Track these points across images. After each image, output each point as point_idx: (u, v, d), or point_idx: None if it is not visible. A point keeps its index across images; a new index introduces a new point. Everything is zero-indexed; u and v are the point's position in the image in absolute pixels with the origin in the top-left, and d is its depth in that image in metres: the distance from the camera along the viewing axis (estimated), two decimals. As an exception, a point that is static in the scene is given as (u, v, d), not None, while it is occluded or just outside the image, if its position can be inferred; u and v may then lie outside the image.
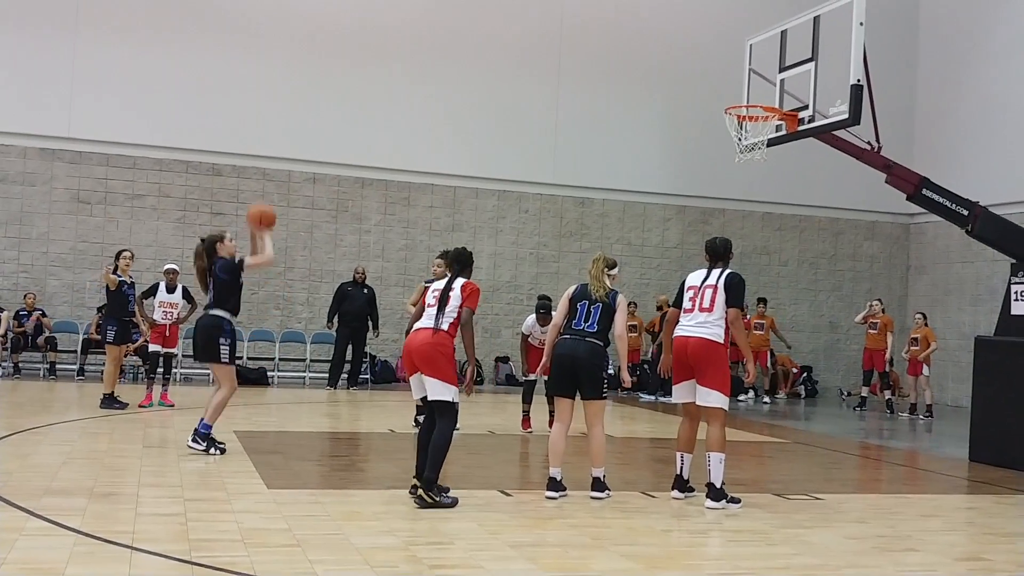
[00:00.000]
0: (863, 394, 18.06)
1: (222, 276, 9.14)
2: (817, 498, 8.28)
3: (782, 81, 12.12)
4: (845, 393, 20.14)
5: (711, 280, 7.93)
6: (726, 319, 7.77)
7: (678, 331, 7.96)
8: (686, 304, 7.99)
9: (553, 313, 8.87)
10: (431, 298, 7.53)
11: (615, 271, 8.29)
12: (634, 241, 20.51)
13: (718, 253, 8.17)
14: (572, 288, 8.10)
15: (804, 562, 6.06)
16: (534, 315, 12.10)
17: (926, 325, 17.31)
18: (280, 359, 17.99)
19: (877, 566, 6.09)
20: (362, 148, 18.84)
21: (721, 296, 7.82)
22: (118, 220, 17.81)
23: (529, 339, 12.15)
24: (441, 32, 19.29)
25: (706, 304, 7.83)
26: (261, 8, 18.47)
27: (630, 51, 20.16)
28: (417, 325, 7.52)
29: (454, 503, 7.12)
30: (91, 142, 17.64)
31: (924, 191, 11.77)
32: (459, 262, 7.68)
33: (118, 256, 12.90)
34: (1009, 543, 7.09)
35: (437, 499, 7.05)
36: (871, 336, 17.63)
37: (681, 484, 8.00)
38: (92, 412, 11.88)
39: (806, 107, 11.68)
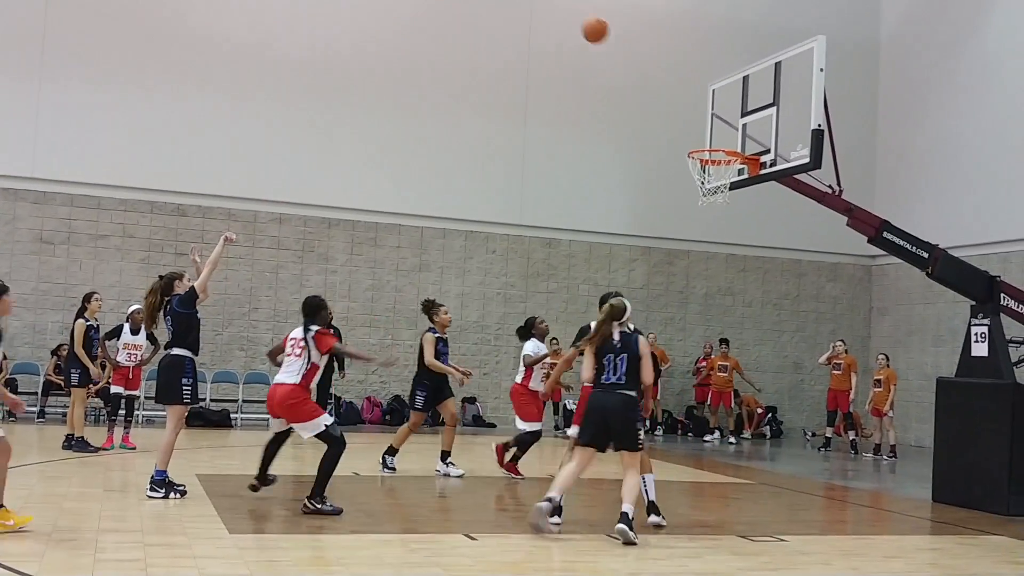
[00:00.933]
0: (827, 435, 18.16)
1: (180, 311, 9.04)
2: (782, 540, 8.30)
3: (744, 126, 12.26)
4: (809, 434, 20.24)
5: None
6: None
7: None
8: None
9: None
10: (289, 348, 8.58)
11: (626, 318, 8.11)
12: (600, 282, 20.59)
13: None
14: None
15: (768, 605, 6.06)
16: (533, 341, 11.69)
17: (888, 366, 17.48)
18: (244, 400, 17.84)
19: (841, 609, 6.11)
20: (329, 188, 18.86)
21: None
22: (81, 261, 17.67)
23: (530, 382, 11.60)
24: (408, 73, 19.40)
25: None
26: (227, 49, 18.50)
27: (596, 94, 20.37)
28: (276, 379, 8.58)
29: (336, 512, 8.25)
30: (55, 182, 17.53)
31: (885, 234, 11.92)
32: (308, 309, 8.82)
33: (88, 298, 12.80)
34: (971, 584, 7.13)
35: (319, 506, 8.25)
36: (835, 377, 17.77)
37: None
38: (51, 455, 11.71)
39: (768, 151, 11.82)
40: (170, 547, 6.84)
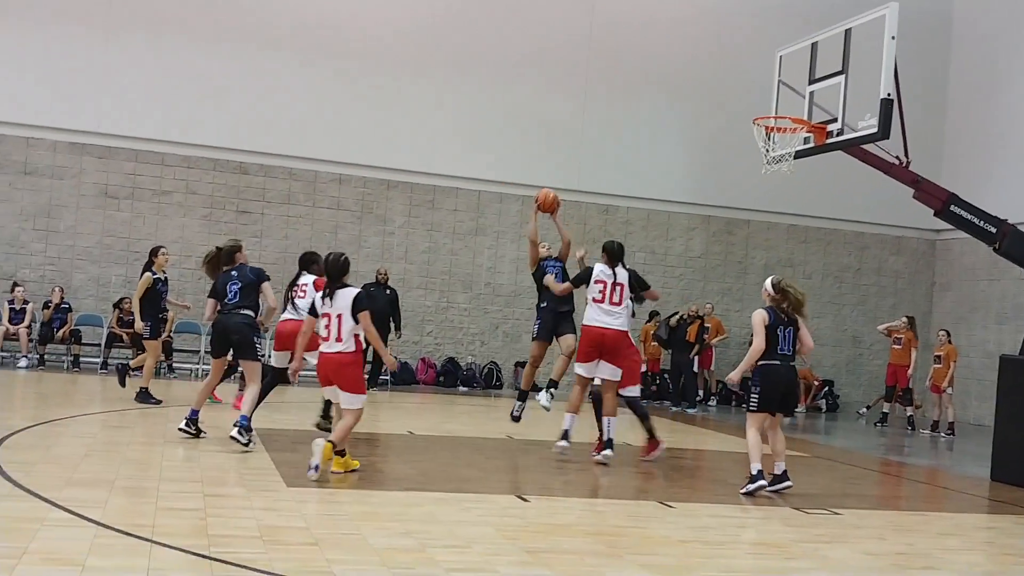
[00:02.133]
0: (884, 410, 17.94)
1: (251, 277, 9.63)
2: (836, 513, 8.23)
3: (811, 93, 12.08)
4: (863, 408, 19.97)
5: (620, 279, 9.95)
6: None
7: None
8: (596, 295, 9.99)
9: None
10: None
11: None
12: (657, 250, 20.47)
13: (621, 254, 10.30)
14: (765, 314, 8.66)
15: (822, 577, 6.03)
16: None
17: (949, 342, 17.19)
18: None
19: (895, 583, 6.05)
20: (389, 150, 18.92)
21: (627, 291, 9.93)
22: (145, 215, 17.94)
23: None
24: (469, 36, 19.33)
25: (616, 299, 9.85)
26: (293, 11, 18.57)
27: (658, 59, 20.14)
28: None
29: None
30: (120, 137, 17.79)
31: (952, 207, 11.70)
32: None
33: (155, 252, 12.95)
34: (1029, 564, 7.02)
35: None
36: (895, 351, 17.53)
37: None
38: (114, 405, 11.97)
39: (835, 120, 11.64)
40: (229, 498, 6.97)
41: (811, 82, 12.16)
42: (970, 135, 20.87)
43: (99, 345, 17.12)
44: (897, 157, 11.58)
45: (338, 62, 18.70)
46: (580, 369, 10.00)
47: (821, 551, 6.73)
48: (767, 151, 11.94)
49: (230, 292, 9.55)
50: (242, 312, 9.52)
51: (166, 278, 12.99)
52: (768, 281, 8.90)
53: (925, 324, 21.07)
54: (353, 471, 8.25)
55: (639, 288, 10.17)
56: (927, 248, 22.00)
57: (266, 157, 18.49)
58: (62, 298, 16.98)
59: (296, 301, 10.27)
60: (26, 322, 16.50)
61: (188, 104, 17.98)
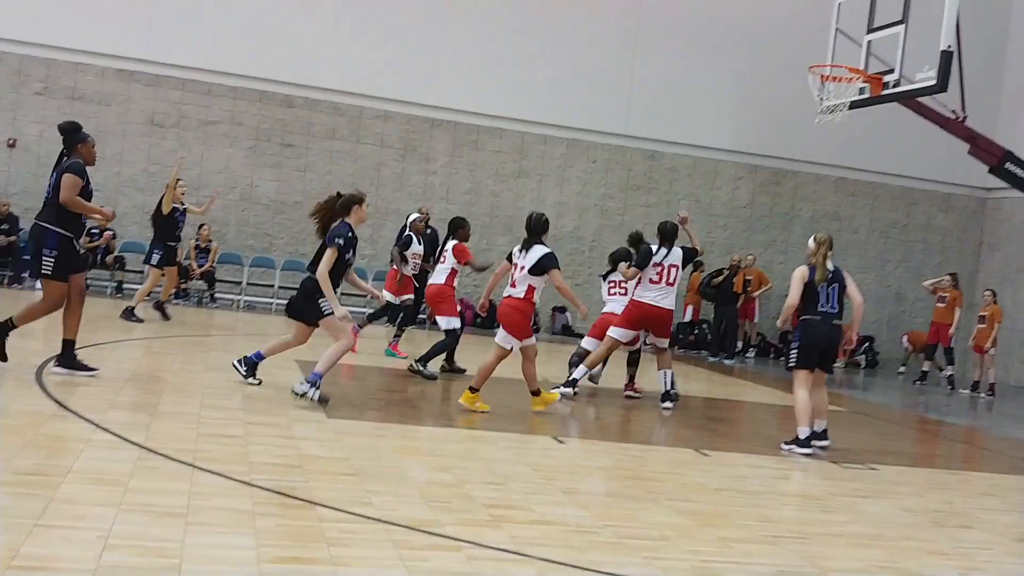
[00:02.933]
0: (925, 368, 17.77)
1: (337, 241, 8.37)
2: (873, 468, 8.19)
3: (869, 43, 11.83)
4: (902, 367, 19.81)
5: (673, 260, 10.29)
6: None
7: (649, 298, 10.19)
8: (653, 276, 10.21)
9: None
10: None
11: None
12: (703, 198, 20.28)
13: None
14: (806, 270, 8.65)
15: (858, 531, 6.00)
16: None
17: (995, 303, 16.94)
18: (341, 294, 18.07)
19: (932, 540, 6.01)
20: (434, 88, 18.79)
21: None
22: (191, 145, 18.00)
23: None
24: (521, -25, 19.06)
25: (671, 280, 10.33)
26: (342, -59, 18.39)
27: (711, 5, 19.77)
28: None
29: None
30: (168, 66, 17.80)
31: (1007, 165, 11.48)
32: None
33: (177, 183, 13.20)
34: (1070, 528, 6.95)
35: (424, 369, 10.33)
36: (939, 310, 17.31)
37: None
38: (157, 332, 12.11)
39: (892, 71, 11.39)
40: (270, 427, 7.04)
41: (869, 31, 11.90)
42: (1028, 92, 20.37)
43: (142, 272, 17.26)
44: (953, 111, 11.33)
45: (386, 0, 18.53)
46: (617, 334, 10.41)
47: (858, 506, 6.70)
48: (821, 100, 11.72)
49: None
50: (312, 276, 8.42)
51: (184, 209, 13.16)
52: (811, 239, 8.93)
53: (971, 283, 20.77)
54: (483, 411, 8.69)
55: (688, 260, 10.58)
56: (977, 206, 21.62)
57: (312, 91, 18.44)
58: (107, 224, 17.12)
59: (438, 265, 11.18)
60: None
61: (236, 35, 17.93)
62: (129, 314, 12.74)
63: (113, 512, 4.56)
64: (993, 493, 7.95)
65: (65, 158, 8.29)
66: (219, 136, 18.15)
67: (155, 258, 13.03)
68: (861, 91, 11.66)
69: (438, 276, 11.09)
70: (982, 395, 16.54)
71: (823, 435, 8.77)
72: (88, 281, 16.88)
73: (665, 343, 10.54)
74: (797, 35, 18.05)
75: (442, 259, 11.15)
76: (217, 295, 17.55)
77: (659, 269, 10.22)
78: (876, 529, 6.09)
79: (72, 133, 8.30)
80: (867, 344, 20.53)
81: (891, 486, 7.56)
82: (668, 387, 10.37)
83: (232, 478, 5.43)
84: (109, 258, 17.02)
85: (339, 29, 18.35)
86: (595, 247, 19.66)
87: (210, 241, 17.30)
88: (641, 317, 10.29)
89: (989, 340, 16.55)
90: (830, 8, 12.85)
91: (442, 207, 18.89)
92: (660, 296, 10.20)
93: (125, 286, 17.20)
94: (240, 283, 17.76)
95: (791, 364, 8.72)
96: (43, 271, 8.01)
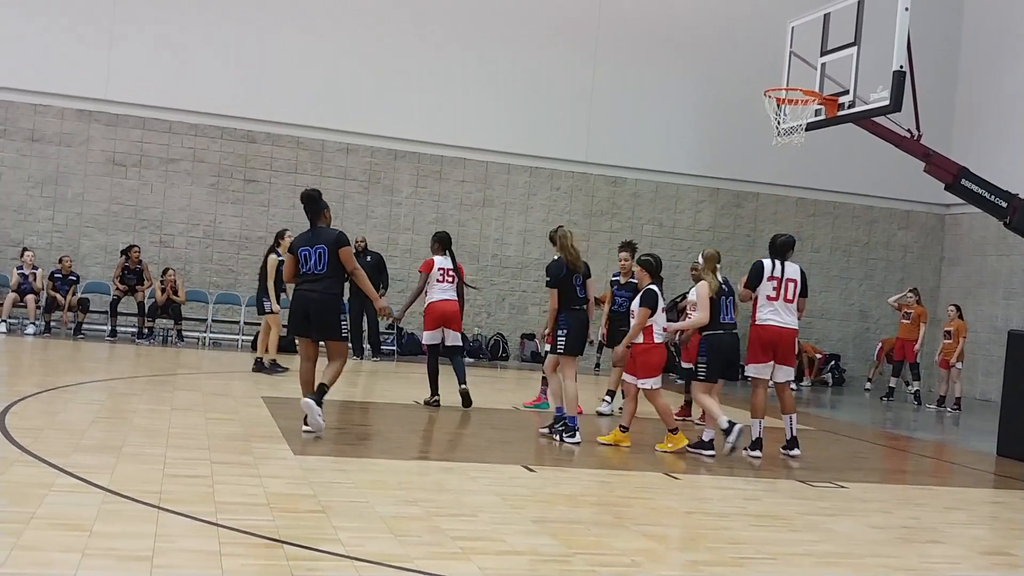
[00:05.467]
0: (891, 384, 17.93)
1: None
2: (842, 486, 8.24)
3: (823, 65, 11.98)
4: (867, 381, 20.00)
5: (790, 274, 9.32)
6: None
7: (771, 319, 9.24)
8: (770, 292, 9.22)
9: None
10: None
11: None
12: (665, 222, 20.42)
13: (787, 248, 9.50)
14: (706, 286, 9.19)
15: (827, 549, 6.03)
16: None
17: (960, 318, 17.15)
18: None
19: (900, 556, 6.05)
20: (396, 120, 18.85)
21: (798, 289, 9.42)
22: (152, 183, 17.93)
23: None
24: (477, 5, 19.21)
25: (790, 296, 9.30)
26: (300, -24, 18.45)
27: (668, 30, 20.00)
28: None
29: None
30: (128, 105, 17.75)
31: (963, 181, 11.62)
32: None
33: (281, 235, 13.46)
34: (1035, 539, 7.02)
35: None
36: (904, 326, 17.50)
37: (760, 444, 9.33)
38: (120, 373, 11.99)
39: (846, 92, 11.54)
40: (237, 465, 6.98)
41: (823, 53, 12.05)
42: (981, 109, 20.72)
43: (105, 312, 17.12)
44: (908, 130, 11.49)
45: (346, 31, 18.60)
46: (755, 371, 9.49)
47: (826, 524, 6.74)
48: (778, 123, 11.86)
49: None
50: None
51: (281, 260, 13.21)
52: (700, 255, 9.52)
53: (933, 299, 21.02)
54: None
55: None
56: (936, 223, 21.91)
57: (273, 126, 18.44)
58: (69, 269, 16.95)
59: (445, 284, 11.40)
60: (37, 284, 16.48)
61: (196, 72, 17.91)
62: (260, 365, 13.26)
63: (78, 557, 4.50)
64: (960, 507, 8.02)
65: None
66: (181, 174, 18.09)
67: (266, 306, 13.46)
68: (817, 113, 11.82)
69: (452, 293, 11.31)
70: (948, 409, 16.70)
71: (710, 444, 9.21)
72: (49, 323, 16.75)
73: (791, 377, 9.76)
74: (754, 58, 18.29)
75: (451, 278, 11.31)
76: (183, 332, 17.41)
77: (775, 283, 9.31)
78: (844, 547, 6.13)
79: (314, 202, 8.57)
80: (833, 362, 20.69)
81: (859, 503, 7.61)
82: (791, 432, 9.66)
83: (198, 519, 5.38)
84: (70, 298, 16.82)
85: (300, 63, 18.38)
86: (561, 274, 19.67)
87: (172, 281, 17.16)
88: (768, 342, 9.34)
89: (955, 355, 16.74)
90: (785, 31, 13.02)
91: (408, 237, 18.91)
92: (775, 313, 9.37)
93: (86, 327, 16.99)
94: (205, 320, 17.65)
95: (700, 377, 9.29)
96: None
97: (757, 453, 9.25)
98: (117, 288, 16.84)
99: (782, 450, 9.64)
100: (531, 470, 7.79)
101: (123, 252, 17.04)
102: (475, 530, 5.75)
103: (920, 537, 6.64)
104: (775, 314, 9.21)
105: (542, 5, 19.49)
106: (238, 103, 18.14)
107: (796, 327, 9.37)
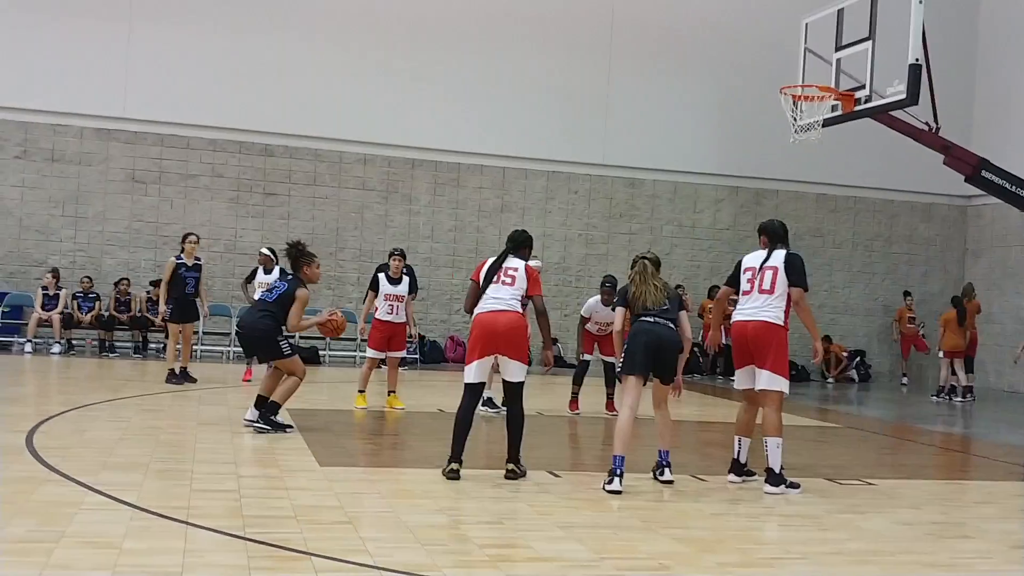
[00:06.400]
0: (952, 383, 17.71)
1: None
2: (870, 483, 8.19)
3: (838, 60, 11.95)
4: (903, 376, 19.95)
5: (772, 261, 7.73)
6: (788, 300, 7.60)
7: (737, 315, 7.80)
8: (744, 286, 7.81)
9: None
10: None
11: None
12: (685, 223, 20.37)
13: (778, 234, 7.96)
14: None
15: (857, 547, 5.99)
16: (597, 297, 11.76)
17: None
18: (332, 338, 18.08)
19: (931, 552, 6.01)
20: (412, 129, 18.89)
21: (782, 277, 7.61)
22: (172, 200, 18.03)
23: (588, 324, 11.89)
24: (493, 12, 19.24)
25: (767, 286, 7.65)
26: (313, -11, 18.54)
27: (683, 30, 19.96)
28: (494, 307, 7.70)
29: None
30: (146, 122, 17.87)
31: (983, 173, 11.56)
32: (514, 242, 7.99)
33: (184, 239, 13.06)
34: (1068, 532, 6.95)
35: (519, 469, 7.49)
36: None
37: (738, 468, 7.93)
38: (147, 389, 12.07)
39: (863, 87, 11.51)
40: (263, 479, 7.02)
41: (838, 49, 12.02)
42: (1000, 99, 20.56)
43: (128, 329, 17.25)
44: (926, 123, 11.44)
45: (360, 42, 18.66)
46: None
47: (856, 522, 6.69)
48: (795, 120, 11.83)
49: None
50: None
51: (196, 264, 13.06)
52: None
53: (957, 290, 20.81)
54: None
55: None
56: (958, 215, 21.75)
57: (291, 139, 18.52)
58: (90, 286, 17.09)
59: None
60: (59, 308, 16.63)
61: (213, 88, 18.01)
62: (182, 376, 12.79)
63: (108, 575, 4.53)
64: (989, 501, 7.96)
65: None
66: (200, 189, 18.19)
67: (168, 313, 13.02)
68: (833, 108, 11.78)
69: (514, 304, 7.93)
70: (953, 399, 16.68)
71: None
72: (71, 340, 16.88)
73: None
74: (769, 55, 18.24)
75: (504, 279, 7.95)
76: (205, 347, 17.50)
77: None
78: (874, 545, 6.09)
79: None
80: (859, 358, 20.57)
81: (887, 500, 7.56)
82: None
83: (226, 533, 5.40)
84: (92, 316, 16.93)
85: (315, 76, 18.45)
86: (581, 277, 19.71)
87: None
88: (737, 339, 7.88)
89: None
90: (800, 28, 12.99)
91: (427, 246, 18.94)
92: (748, 306, 7.77)
93: (112, 344, 17.13)
94: (228, 334, 17.72)
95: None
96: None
97: (731, 477, 7.91)
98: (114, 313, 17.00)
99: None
100: (556, 475, 7.77)
101: (114, 284, 17.14)
102: (502, 537, 5.75)
103: (950, 532, 6.59)
104: (741, 308, 7.77)
105: (554, 10, 19.49)
106: (255, 117, 18.23)
107: (769, 319, 7.53)
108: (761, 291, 7.66)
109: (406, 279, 11.44)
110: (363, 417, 10.93)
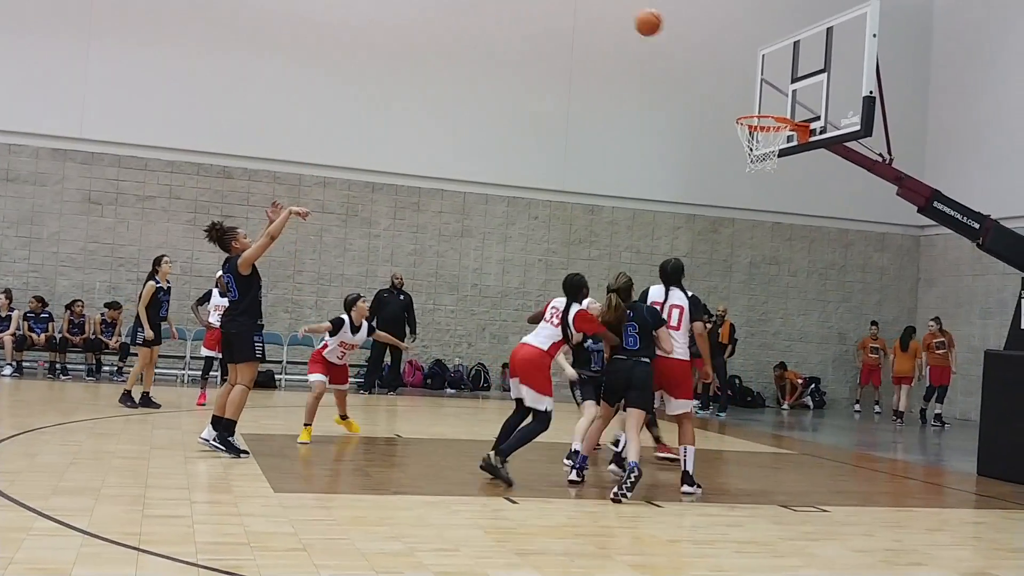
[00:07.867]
0: (937, 411, 18.10)
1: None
2: (824, 510, 8.25)
3: (794, 92, 12.12)
4: (855, 403, 20.19)
5: (675, 300, 8.71)
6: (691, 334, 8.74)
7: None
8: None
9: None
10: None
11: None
12: (643, 249, 20.49)
13: (676, 276, 8.88)
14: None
15: (811, 574, 6.03)
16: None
17: (913, 339, 18.52)
18: (288, 362, 17.99)
19: (884, 580, 6.07)
20: (373, 152, 18.88)
21: (687, 315, 8.69)
22: (128, 221, 17.86)
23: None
24: (453, 37, 19.32)
25: (674, 323, 8.62)
26: (273, 12, 18.52)
27: (642, 59, 20.13)
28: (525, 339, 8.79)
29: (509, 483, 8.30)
30: (103, 143, 17.71)
31: (935, 204, 11.75)
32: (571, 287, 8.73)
33: (159, 261, 12.93)
34: (1017, 559, 7.05)
35: (501, 467, 8.33)
36: (938, 355, 18.05)
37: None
38: (99, 412, 11.90)
39: (818, 118, 11.67)
40: (216, 504, 6.94)
41: (794, 80, 12.19)
42: (952, 131, 20.96)
43: (81, 351, 17.01)
44: (880, 154, 11.62)
45: (320, 64, 18.66)
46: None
47: (809, 549, 6.75)
48: (751, 150, 11.97)
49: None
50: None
51: (168, 287, 12.94)
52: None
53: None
54: None
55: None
56: (911, 244, 22.09)
57: (249, 161, 18.43)
58: (43, 307, 16.87)
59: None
60: (11, 329, 16.39)
61: (170, 109, 17.90)
62: (125, 398, 12.52)
63: (55, 603, 4.46)
64: (942, 528, 8.06)
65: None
66: (157, 211, 18.03)
67: (139, 337, 12.78)
68: (789, 139, 11.94)
69: (541, 340, 8.67)
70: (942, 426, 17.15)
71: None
72: (21, 363, 16.59)
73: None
74: (726, 86, 18.48)
75: (553, 320, 8.69)
76: (159, 370, 17.26)
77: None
78: (828, 572, 6.14)
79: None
80: (813, 385, 20.76)
81: (841, 527, 7.63)
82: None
83: (179, 560, 5.34)
84: (44, 337, 16.68)
85: (274, 98, 18.40)
86: (541, 302, 19.66)
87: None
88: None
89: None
90: (756, 59, 13.16)
91: (386, 270, 18.88)
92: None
93: (65, 366, 16.86)
94: (183, 357, 17.55)
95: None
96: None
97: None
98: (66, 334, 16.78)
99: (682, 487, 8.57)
100: (514, 502, 7.76)
101: (67, 307, 16.92)
102: (458, 564, 5.72)
103: (903, 560, 6.65)
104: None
105: (515, 37, 19.61)
106: (213, 139, 18.13)
107: (682, 357, 8.48)
108: (669, 327, 8.59)
109: (365, 325, 11.05)
110: (315, 444, 10.84)
